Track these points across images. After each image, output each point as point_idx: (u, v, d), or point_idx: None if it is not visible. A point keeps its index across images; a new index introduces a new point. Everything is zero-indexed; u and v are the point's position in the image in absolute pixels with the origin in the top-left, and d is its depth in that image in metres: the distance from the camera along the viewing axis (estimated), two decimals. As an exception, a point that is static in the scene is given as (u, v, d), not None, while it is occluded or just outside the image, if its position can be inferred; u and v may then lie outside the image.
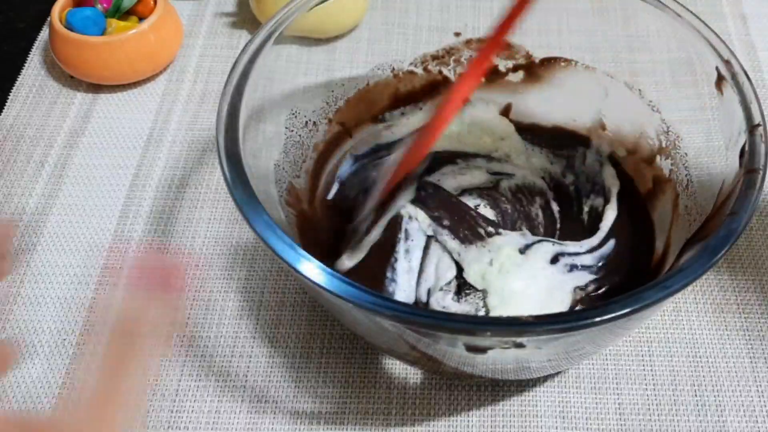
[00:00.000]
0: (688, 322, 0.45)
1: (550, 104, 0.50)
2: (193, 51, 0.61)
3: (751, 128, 0.36)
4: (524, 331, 0.31)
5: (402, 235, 0.45)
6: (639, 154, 0.46)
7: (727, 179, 0.36)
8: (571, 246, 0.44)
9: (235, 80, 0.38)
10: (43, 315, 0.46)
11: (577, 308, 0.42)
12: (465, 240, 0.45)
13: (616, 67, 0.46)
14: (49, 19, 0.57)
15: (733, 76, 0.38)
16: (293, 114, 0.45)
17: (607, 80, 0.47)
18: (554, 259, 0.44)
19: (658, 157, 0.45)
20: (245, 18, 0.63)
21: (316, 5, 0.42)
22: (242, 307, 0.46)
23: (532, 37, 0.48)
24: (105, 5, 0.56)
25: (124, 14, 0.57)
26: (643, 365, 0.44)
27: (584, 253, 0.44)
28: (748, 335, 0.45)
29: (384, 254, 0.44)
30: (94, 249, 0.49)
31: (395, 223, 0.45)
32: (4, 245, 0.33)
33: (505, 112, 0.50)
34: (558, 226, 0.47)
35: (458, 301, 0.43)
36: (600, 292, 0.43)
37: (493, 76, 0.50)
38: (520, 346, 0.33)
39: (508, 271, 0.43)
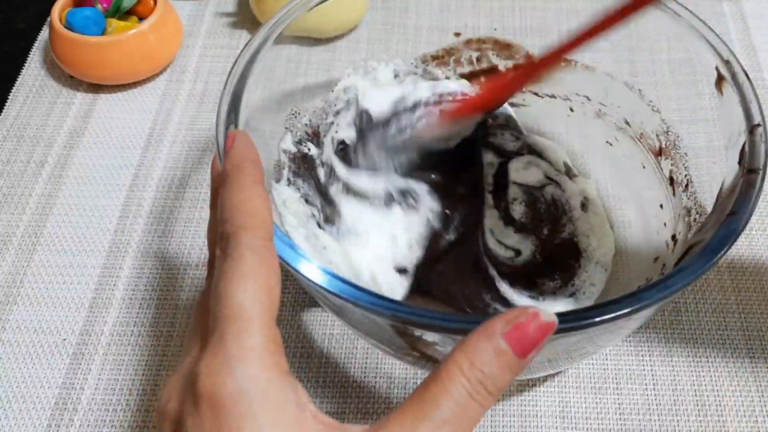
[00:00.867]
0: (688, 322, 0.45)
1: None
2: (193, 51, 0.61)
3: (751, 128, 0.36)
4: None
5: None
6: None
7: (727, 179, 0.36)
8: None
9: (235, 80, 0.38)
10: (43, 315, 0.46)
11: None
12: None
13: (616, 67, 0.46)
14: (49, 19, 0.57)
15: (733, 76, 0.38)
16: (293, 114, 0.45)
17: (607, 80, 0.47)
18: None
19: (658, 157, 0.45)
20: (245, 18, 0.63)
21: (316, 5, 0.42)
22: (242, 307, 0.46)
23: (532, 37, 0.49)
24: (105, 5, 0.56)
25: (124, 14, 0.57)
26: (643, 365, 0.44)
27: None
28: (748, 335, 0.45)
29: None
30: (94, 249, 0.49)
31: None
32: None
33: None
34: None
35: None
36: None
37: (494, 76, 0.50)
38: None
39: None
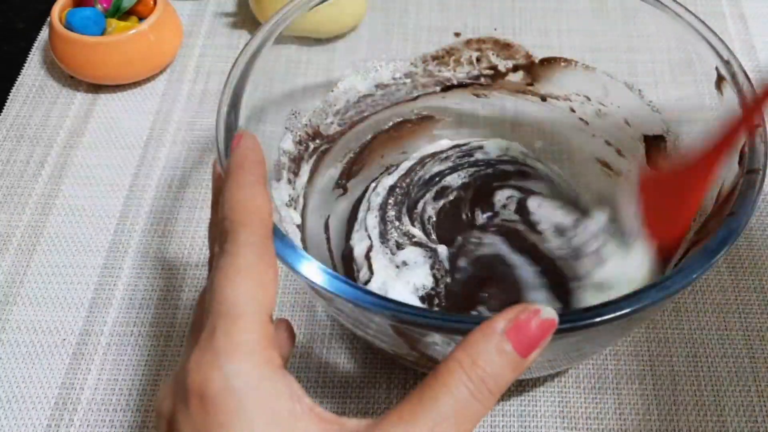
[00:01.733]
0: (688, 322, 0.45)
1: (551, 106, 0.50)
2: (193, 51, 0.61)
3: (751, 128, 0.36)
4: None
5: None
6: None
7: (727, 179, 0.36)
8: None
9: (235, 80, 0.38)
10: (43, 315, 0.46)
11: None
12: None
13: (616, 67, 0.46)
14: (49, 19, 0.57)
15: (733, 76, 0.38)
16: (293, 114, 0.45)
17: (607, 80, 0.47)
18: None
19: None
20: (245, 18, 0.63)
21: (316, 5, 0.42)
22: (242, 307, 0.46)
23: (532, 37, 0.49)
24: (105, 5, 0.56)
25: (124, 14, 0.57)
26: (643, 365, 0.44)
27: None
28: (748, 335, 0.45)
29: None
30: (94, 249, 0.49)
31: None
32: None
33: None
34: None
35: None
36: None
37: (494, 76, 0.50)
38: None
39: None
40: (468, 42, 0.49)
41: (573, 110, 0.49)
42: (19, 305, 0.47)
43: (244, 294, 0.26)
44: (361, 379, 0.43)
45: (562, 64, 0.48)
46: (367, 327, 0.36)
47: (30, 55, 0.61)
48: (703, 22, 0.40)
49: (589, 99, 0.48)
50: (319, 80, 0.48)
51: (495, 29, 0.49)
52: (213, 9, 0.64)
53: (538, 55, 0.48)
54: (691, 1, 0.42)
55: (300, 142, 0.45)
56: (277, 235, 0.31)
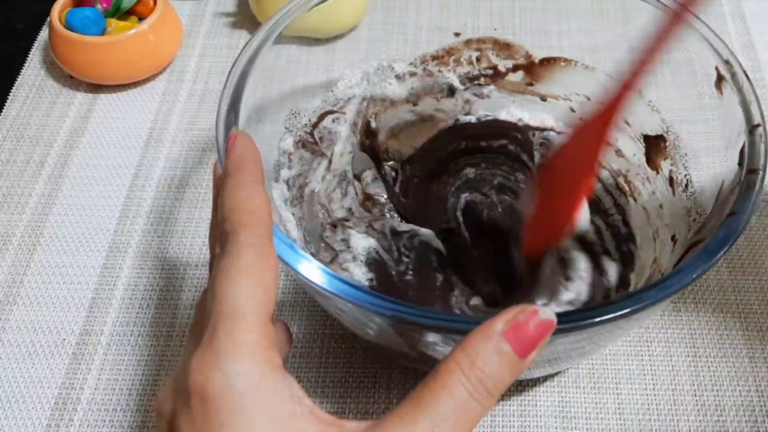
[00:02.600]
0: (688, 322, 0.45)
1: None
2: (193, 51, 0.61)
3: (751, 128, 0.36)
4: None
5: None
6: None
7: (727, 179, 0.36)
8: None
9: (234, 80, 0.38)
10: (43, 315, 0.46)
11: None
12: None
13: (616, 67, 0.46)
14: (49, 19, 0.57)
15: (733, 76, 0.38)
16: (293, 114, 0.45)
17: (607, 80, 0.47)
18: None
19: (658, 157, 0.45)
20: (245, 18, 0.63)
21: (316, 5, 0.42)
22: (242, 307, 0.46)
23: (532, 37, 0.49)
24: (105, 5, 0.56)
25: (124, 14, 0.57)
26: (643, 365, 0.44)
27: None
28: (748, 335, 0.45)
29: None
30: (94, 249, 0.49)
31: None
32: None
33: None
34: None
35: None
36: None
37: (494, 76, 0.50)
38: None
39: None
40: (468, 42, 0.49)
41: (573, 110, 0.49)
42: (19, 305, 0.47)
43: (245, 294, 0.26)
44: (361, 379, 0.43)
45: (562, 64, 0.48)
46: (367, 327, 0.36)
47: (30, 55, 0.61)
48: (703, 22, 0.40)
49: (589, 99, 0.48)
50: (319, 80, 0.48)
51: (495, 29, 0.49)
52: (213, 9, 0.64)
53: (538, 55, 0.48)
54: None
55: (300, 142, 0.45)
56: (277, 235, 0.31)
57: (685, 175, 0.43)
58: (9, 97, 0.58)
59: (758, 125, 0.36)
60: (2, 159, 0.54)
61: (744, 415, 0.42)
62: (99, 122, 0.56)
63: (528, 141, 0.50)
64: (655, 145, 0.45)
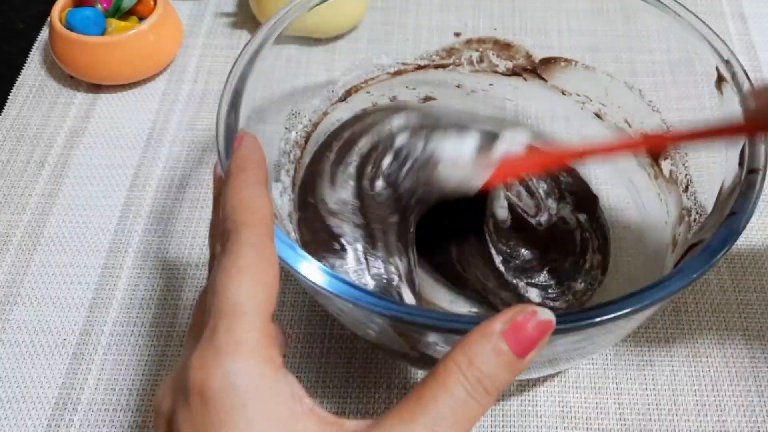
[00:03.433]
0: (688, 322, 0.45)
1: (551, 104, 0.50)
2: (193, 51, 0.61)
3: (751, 128, 0.36)
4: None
5: None
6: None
7: (727, 179, 0.36)
8: None
9: (235, 80, 0.38)
10: (43, 315, 0.46)
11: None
12: None
13: (616, 67, 0.46)
14: (49, 19, 0.57)
15: (733, 76, 0.38)
16: (293, 114, 0.45)
17: (607, 80, 0.47)
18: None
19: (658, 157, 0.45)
20: (245, 18, 0.63)
21: (316, 5, 0.42)
22: (242, 307, 0.46)
23: (532, 37, 0.49)
24: (105, 5, 0.56)
25: (124, 14, 0.57)
26: (643, 365, 0.44)
27: None
28: (748, 335, 0.45)
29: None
30: (94, 249, 0.49)
31: None
32: None
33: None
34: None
35: None
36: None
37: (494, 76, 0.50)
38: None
39: None
40: (468, 42, 0.49)
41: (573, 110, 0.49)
42: (19, 305, 0.47)
43: (246, 293, 0.26)
44: (361, 379, 0.43)
45: (562, 64, 0.48)
46: (367, 327, 0.36)
47: (30, 55, 0.61)
48: (703, 22, 0.40)
49: (589, 99, 0.48)
50: (319, 80, 0.48)
51: (495, 29, 0.49)
52: (213, 9, 0.64)
53: (538, 55, 0.49)
54: (691, 1, 0.42)
55: (300, 142, 0.45)
56: (278, 235, 0.31)
57: (686, 175, 0.43)
58: (9, 97, 0.58)
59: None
60: (2, 159, 0.54)
61: (744, 415, 0.42)
62: (99, 122, 0.56)
63: None
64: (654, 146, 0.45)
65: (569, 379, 0.43)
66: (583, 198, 0.49)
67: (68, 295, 0.47)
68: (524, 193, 0.49)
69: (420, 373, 0.43)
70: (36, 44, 0.62)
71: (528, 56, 0.49)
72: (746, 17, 0.62)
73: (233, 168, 0.30)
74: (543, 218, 0.48)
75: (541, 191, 0.49)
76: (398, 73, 0.49)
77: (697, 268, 0.31)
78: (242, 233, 0.27)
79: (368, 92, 0.48)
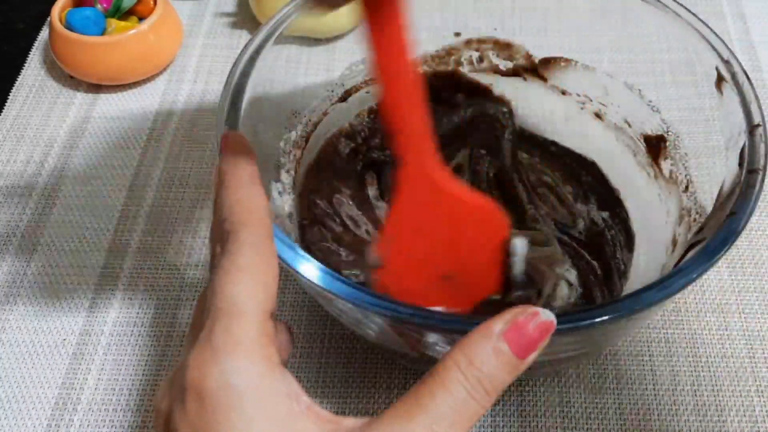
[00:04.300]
0: (687, 322, 0.45)
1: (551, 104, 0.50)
2: (193, 51, 0.61)
3: (751, 128, 0.36)
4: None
5: None
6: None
7: (727, 179, 0.36)
8: None
9: (235, 80, 0.38)
10: (43, 315, 0.46)
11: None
12: None
13: (616, 67, 0.46)
14: (49, 19, 0.57)
15: (733, 76, 0.38)
16: (293, 114, 0.45)
17: (607, 80, 0.47)
18: None
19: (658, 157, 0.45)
20: (245, 18, 0.63)
21: (316, 5, 0.42)
22: (242, 307, 0.46)
23: (532, 37, 0.48)
24: (105, 5, 0.56)
25: (124, 14, 0.57)
26: (643, 365, 0.44)
27: None
28: (748, 335, 0.45)
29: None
30: (94, 249, 0.49)
31: None
32: None
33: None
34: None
35: None
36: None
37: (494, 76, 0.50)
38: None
39: None
40: (468, 42, 0.49)
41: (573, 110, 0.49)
42: (19, 305, 0.47)
43: (245, 292, 0.26)
44: (361, 379, 0.43)
45: (562, 64, 0.48)
46: (367, 327, 0.36)
47: (30, 55, 0.61)
48: (703, 22, 0.40)
49: (589, 99, 0.48)
50: (319, 80, 0.48)
51: (495, 29, 0.49)
52: (213, 9, 0.64)
53: (538, 55, 0.48)
54: (691, 1, 0.42)
55: (300, 143, 0.45)
56: (277, 235, 0.31)
57: (686, 175, 0.43)
58: (9, 97, 0.58)
59: (758, 125, 0.36)
60: (2, 159, 0.54)
61: (744, 415, 0.42)
62: (99, 122, 0.56)
63: None
64: (655, 145, 0.45)
65: (569, 379, 0.43)
66: (605, 195, 0.49)
67: (68, 295, 0.47)
68: (555, 202, 0.48)
69: (420, 373, 0.43)
70: (36, 44, 0.62)
71: (528, 56, 0.49)
72: (746, 17, 0.62)
73: (225, 168, 0.30)
74: (581, 226, 0.47)
75: (568, 195, 0.48)
76: (398, 73, 0.49)
77: (697, 268, 0.31)
78: (241, 233, 0.27)
79: (368, 92, 0.48)
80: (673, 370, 0.44)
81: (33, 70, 0.60)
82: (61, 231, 0.50)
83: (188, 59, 0.60)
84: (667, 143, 0.44)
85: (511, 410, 0.42)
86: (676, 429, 0.41)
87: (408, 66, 0.30)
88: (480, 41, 0.49)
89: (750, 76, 0.38)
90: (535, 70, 0.49)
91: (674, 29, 0.41)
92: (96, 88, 0.58)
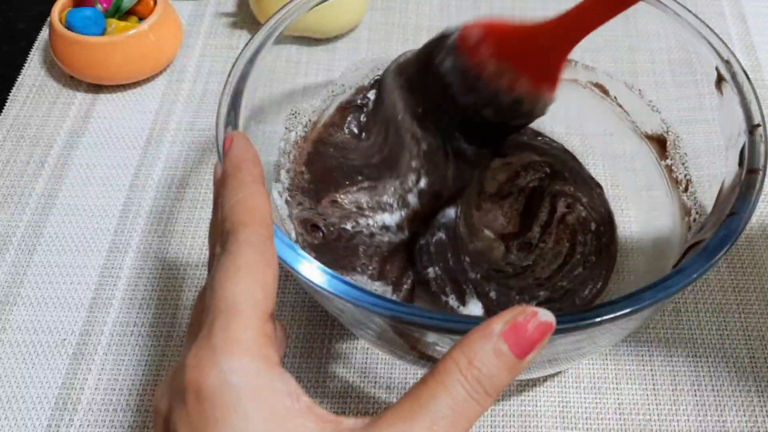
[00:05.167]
0: (687, 322, 0.45)
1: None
2: (193, 51, 0.61)
3: (751, 128, 0.36)
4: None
5: None
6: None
7: (727, 179, 0.36)
8: None
9: (235, 80, 0.38)
10: (43, 315, 0.46)
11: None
12: None
13: (616, 67, 0.46)
14: (49, 19, 0.57)
15: (733, 76, 0.38)
16: (293, 114, 0.45)
17: (607, 80, 0.47)
18: None
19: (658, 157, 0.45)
20: (245, 18, 0.63)
21: (316, 5, 0.42)
22: (242, 307, 0.46)
23: (532, 37, 0.48)
24: (105, 5, 0.56)
25: (124, 14, 0.57)
26: (643, 365, 0.44)
27: None
28: (748, 335, 0.45)
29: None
30: (94, 249, 0.49)
31: None
32: None
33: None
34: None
35: None
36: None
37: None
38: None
39: None
40: (468, 42, 0.49)
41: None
42: (19, 305, 0.47)
43: (244, 292, 0.26)
44: (361, 379, 0.43)
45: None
46: (367, 327, 0.36)
47: (30, 55, 0.61)
48: (703, 22, 0.40)
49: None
50: (319, 80, 0.48)
51: (495, 29, 0.49)
52: (213, 9, 0.64)
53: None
54: (691, 1, 0.42)
55: (299, 142, 0.45)
56: (278, 235, 0.31)
57: (685, 175, 0.43)
58: (9, 97, 0.58)
59: (758, 125, 0.36)
60: (2, 159, 0.54)
61: (744, 415, 0.42)
62: (99, 122, 0.56)
63: None
64: (655, 145, 0.45)
65: (569, 379, 0.43)
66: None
67: (68, 295, 0.47)
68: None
69: (420, 373, 0.43)
70: (36, 44, 0.62)
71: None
72: (746, 17, 0.62)
73: (228, 168, 0.30)
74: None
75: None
76: (398, 73, 0.49)
77: (697, 268, 0.31)
78: (241, 233, 0.27)
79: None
80: (673, 370, 0.44)
81: (33, 70, 0.60)
82: (61, 231, 0.50)
83: (188, 59, 0.60)
84: (667, 143, 0.44)
85: (511, 410, 0.42)
86: (676, 429, 0.41)
87: None
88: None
89: (750, 76, 0.38)
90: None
91: (674, 29, 0.41)
92: (96, 88, 0.58)
